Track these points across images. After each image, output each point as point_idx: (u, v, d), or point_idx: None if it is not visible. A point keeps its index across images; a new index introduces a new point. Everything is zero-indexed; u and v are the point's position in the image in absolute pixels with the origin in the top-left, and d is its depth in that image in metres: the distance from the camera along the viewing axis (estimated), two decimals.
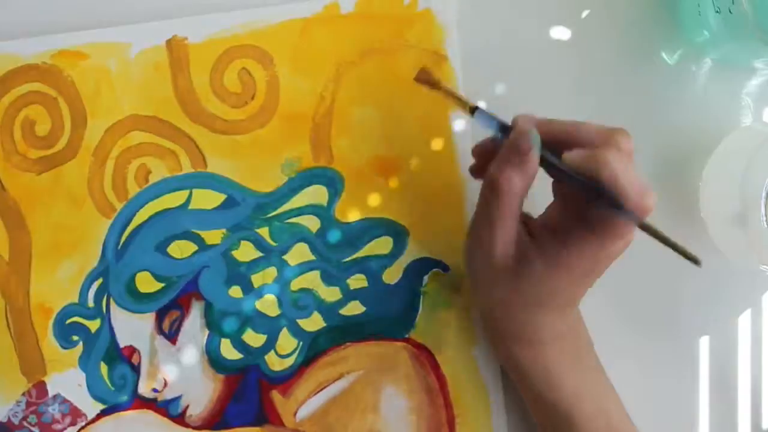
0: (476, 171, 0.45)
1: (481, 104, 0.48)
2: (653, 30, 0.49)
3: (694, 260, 0.38)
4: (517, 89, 0.49)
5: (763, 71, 0.50)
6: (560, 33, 0.49)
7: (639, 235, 0.47)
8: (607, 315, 0.49)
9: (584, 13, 0.49)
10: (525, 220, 0.44)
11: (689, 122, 0.49)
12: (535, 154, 0.40)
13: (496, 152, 0.41)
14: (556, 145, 0.40)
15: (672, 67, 0.50)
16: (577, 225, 0.40)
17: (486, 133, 0.42)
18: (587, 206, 0.39)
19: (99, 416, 0.48)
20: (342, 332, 0.48)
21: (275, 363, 0.48)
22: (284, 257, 0.48)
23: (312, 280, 0.48)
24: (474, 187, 0.48)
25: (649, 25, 0.49)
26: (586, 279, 0.41)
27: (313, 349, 0.48)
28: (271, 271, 0.48)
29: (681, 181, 0.49)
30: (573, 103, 0.49)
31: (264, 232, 0.48)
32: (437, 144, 0.48)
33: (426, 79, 0.43)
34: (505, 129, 0.41)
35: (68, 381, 0.47)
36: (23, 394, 0.47)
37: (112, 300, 0.48)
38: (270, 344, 0.48)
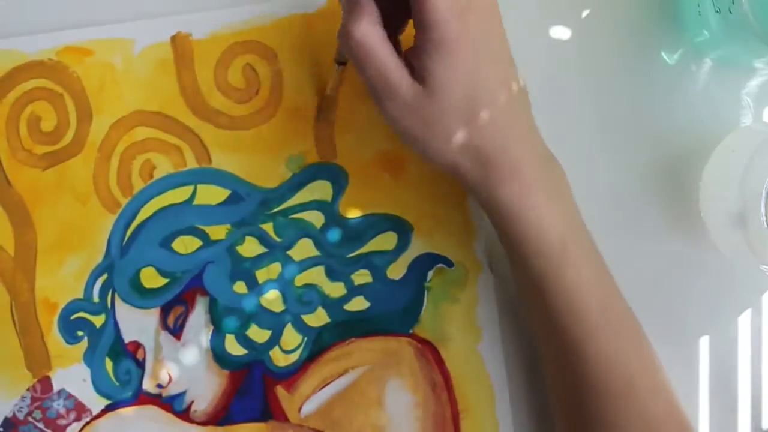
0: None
1: None
2: (653, 30, 0.49)
3: None
4: None
5: (763, 71, 0.50)
6: (560, 32, 0.49)
7: (638, 237, 0.48)
8: None
9: (584, 13, 0.49)
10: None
11: (689, 122, 0.49)
12: None
13: None
14: None
15: (672, 67, 0.50)
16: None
17: None
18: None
19: (104, 411, 0.48)
20: (346, 328, 0.48)
21: (280, 358, 0.48)
22: (288, 253, 0.48)
23: (316, 275, 0.48)
24: None
25: (649, 25, 0.49)
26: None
27: (318, 345, 0.48)
28: (276, 267, 0.48)
29: (681, 181, 0.49)
30: (573, 102, 0.49)
31: (268, 227, 0.48)
32: None
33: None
34: None
35: (73, 376, 0.48)
36: (28, 390, 0.47)
37: (117, 295, 0.48)
38: (274, 340, 0.48)
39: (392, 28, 0.41)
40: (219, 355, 0.48)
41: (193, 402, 0.48)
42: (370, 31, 0.39)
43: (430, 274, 0.48)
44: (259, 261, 0.48)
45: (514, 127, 0.41)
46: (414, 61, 0.40)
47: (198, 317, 0.48)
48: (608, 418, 0.41)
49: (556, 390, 0.44)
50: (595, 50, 0.49)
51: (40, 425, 0.47)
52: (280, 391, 0.48)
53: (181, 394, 0.48)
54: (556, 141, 0.48)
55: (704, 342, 0.50)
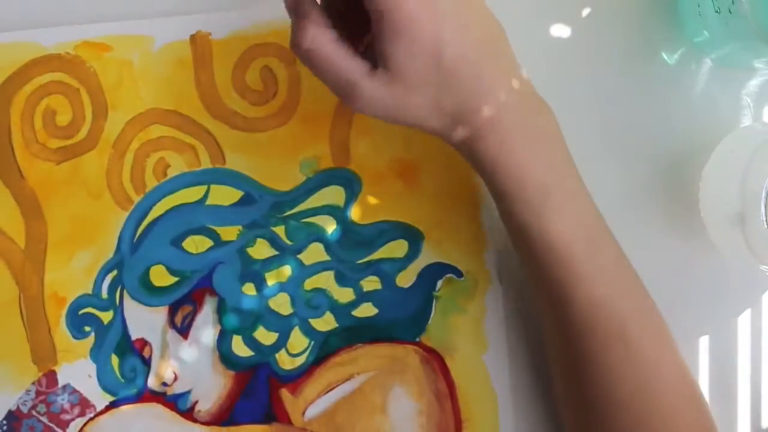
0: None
1: None
2: (653, 30, 0.49)
3: None
4: None
5: (763, 71, 0.50)
6: (560, 31, 0.49)
7: (638, 237, 0.47)
8: None
9: (585, 12, 0.49)
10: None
11: (689, 122, 0.49)
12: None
13: None
14: None
15: (672, 67, 0.50)
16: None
17: None
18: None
19: (108, 408, 0.48)
20: (354, 333, 0.48)
21: (286, 361, 0.48)
22: (299, 256, 0.48)
23: (326, 280, 0.48)
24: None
25: (649, 25, 0.49)
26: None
27: (324, 349, 0.48)
28: (286, 270, 0.48)
29: (681, 181, 0.49)
30: (572, 102, 0.49)
31: (280, 230, 0.48)
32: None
33: None
34: None
35: (79, 371, 0.48)
36: (33, 383, 0.47)
37: (125, 292, 0.48)
38: (281, 343, 0.48)
39: (357, 28, 0.40)
40: (225, 356, 0.48)
41: (197, 401, 0.48)
42: (318, 38, 0.39)
43: (440, 283, 0.48)
44: (269, 263, 0.48)
45: (489, 71, 0.40)
46: (374, 46, 0.39)
47: (206, 317, 0.48)
48: (599, 359, 0.41)
49: (549, 339, 0.44)
50: (595, 50, 0.49)
51: (44, 419, 0.47)
52: (285, 394, 0.48)
53: (186, 393, 0.48)
54: None
55: (704, 342, 0.50)
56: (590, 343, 0.41)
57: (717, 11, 0.45)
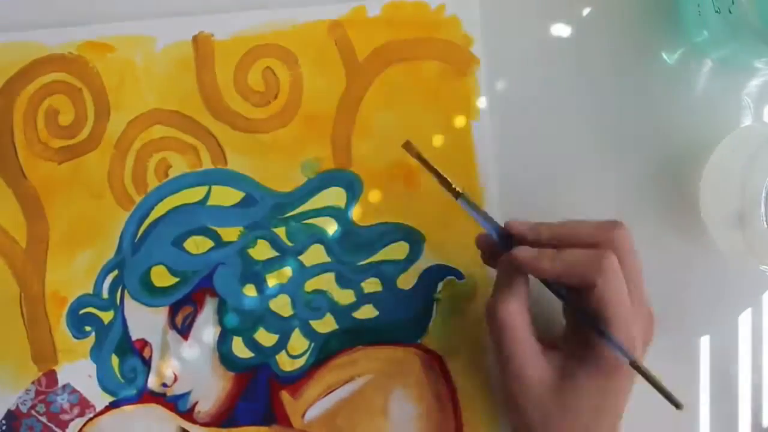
0: (486, 260, 0.46)
1: (483, 104, 0.49)
2: (653, 30, 0.49)
3: (677, 405, 0.40)
4: (515, 88, 0.49)
5: (763, 71, 0.50)
6: (560, 31, 0.49)
7: (638, 237, 0.47)
8: None
9: (585, 12, 0.49)
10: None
11: (689, 122, 0.49)
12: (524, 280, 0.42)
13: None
14: (556, 245, 0.41)
15: (672, 67, 0.50)
16: (583, 356, 0.41)
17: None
18: (591, 336, 0.40)
19: (107, 408, 0.48)
20: (354, 335, 0.48)
21: (286, 363, 0.48)
22: (300, 258, 0.48)
23: (326, 281, 0.48)
24: (492, 195, 0.48)
25: (649, 25, 0.49)
26: (601, 417, 0.41)
27: (325, 351, 0.48)
28: (286, 271, 0.48)
29: (681, 181, 0.49)
30: (573, 102, 0.49)
31: (281, 231, 0.48)
32: (457, 151, 0.48)
33: (413, 151, 0.44)
34: (491, 223, 0.43)
35: (79, 371, 0.47)
36: (33, 383, 0.47)
37: (126, 292, 0.48)
38: (281, 344, 0.48)
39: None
40: (225, 357, 0.48)
41: (197, 402, 0.48)
42: (515, 315, 0.41)
43: (440, 285, 0.48)
44: (270, 264, 0.48)
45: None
46: (564, 359, 0.41)
47: (206, 318, 0.48)
48: None
49: None
50: (596, 50, 0.49)
51: (43, 419, 0.47)
52: (285, 395, 0.48)
53: (186, 394, 0.48)
54: (556, 141, 0.48)
55: (704, 342, 0.50)
56: None
57: (717, 11, 0.45)
